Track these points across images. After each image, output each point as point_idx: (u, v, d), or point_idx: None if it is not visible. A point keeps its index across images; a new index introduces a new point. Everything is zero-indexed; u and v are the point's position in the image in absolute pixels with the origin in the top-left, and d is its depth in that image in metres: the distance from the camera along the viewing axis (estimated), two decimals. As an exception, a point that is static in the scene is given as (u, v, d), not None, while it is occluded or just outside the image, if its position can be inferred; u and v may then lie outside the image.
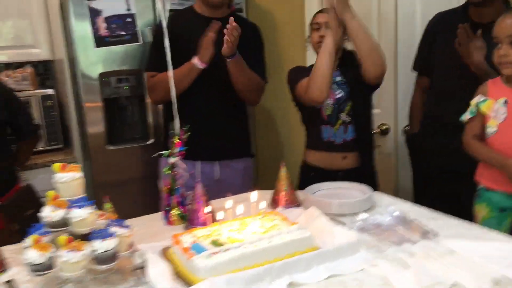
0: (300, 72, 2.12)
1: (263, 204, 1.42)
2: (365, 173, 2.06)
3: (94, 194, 2.57)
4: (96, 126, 2.54)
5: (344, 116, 2.04)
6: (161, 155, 1.64)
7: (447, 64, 2.10)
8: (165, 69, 1.96)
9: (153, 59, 2.22)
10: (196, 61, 2.07)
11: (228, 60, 2.07)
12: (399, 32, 2.60)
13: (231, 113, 2.28)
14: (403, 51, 2.58)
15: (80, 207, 1.20)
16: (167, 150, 1.66)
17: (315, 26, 2.08)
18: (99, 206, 1.47)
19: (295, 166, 2.25)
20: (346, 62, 2.10)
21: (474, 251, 1.28)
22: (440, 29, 2.19)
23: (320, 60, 1.95)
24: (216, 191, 1.86)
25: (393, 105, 2.66)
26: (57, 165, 1.23)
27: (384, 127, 2.67)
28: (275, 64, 2.88)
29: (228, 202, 1.44)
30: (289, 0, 2.83)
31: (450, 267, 1.21)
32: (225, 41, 2.00)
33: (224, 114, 2.25)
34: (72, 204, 1.20)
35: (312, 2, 2.73)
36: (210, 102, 2.20)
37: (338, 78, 2.08)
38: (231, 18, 1.99)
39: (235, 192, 1.82)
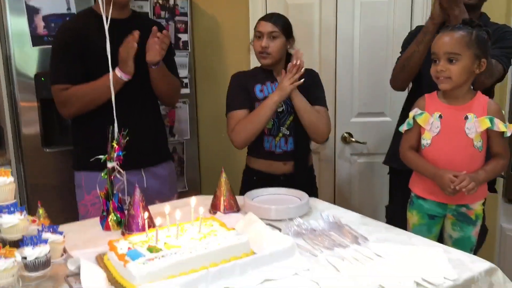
0: (237, 95, 2.12)
1: (201, 210, 1.44)
2: (304, 177, 2.16)
3: (27, 198, 2.49)
4: (32, 127, 2.46)
5: (284, 130, 2.12)
6: (98, 159, 1.61)
7: (424, 77, 2.06)
8: (78, 79, 1.96)
9: (63, 69, 2.04)
10: (119, 73, 1.97)
11: (153, 67, 2.03)
12: (338, 49, 2.76)
13: (148, 117, 2.18)
14: (341, 66, 2.74)
15: (10, 212, 1.18)
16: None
17: (257, 34, 2.10)
18: (33, 211, 1.44)
19: (238, 171, 2.29)
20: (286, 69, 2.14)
21: (399, 255, 1.37)
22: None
23: (259, 115, 2.03)
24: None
25: (332, 114, 2.77)
26: (-13, 170, 1.20)
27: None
28: (220, 69, 2.92)
29: (166, 207, 1.45)
30: (234, 5, 2.86)
31: (376, 271, 1.28)
32: (153, 49, 1.96)
33: (141, 119, 2.13)
34: (2, 209, 1.18)
35: (256, 7, 2.80)
36: (126, 108, 2.04)
37: None
38: (154, 28, 1.96)
39: (163, 200, 1.83)
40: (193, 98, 2.88)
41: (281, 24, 2.08)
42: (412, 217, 1.92)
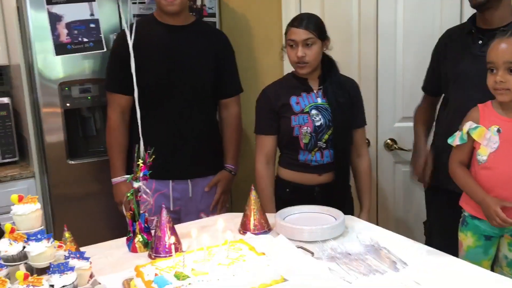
0: (264, 118, 2.22)
1: (230, 234, 1.52)
2: (340, 188, 2.23)
3: (52, 210, 2.64)
4: (56, 137, 2.60)
5: (321, 144, 2.16)
6: (125, 179, 1.72)
7: (463, 78, 2.12)
8: (124, 91, 2.25)
9: (114, 77, 2.39)
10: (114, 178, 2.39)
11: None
12: (379, 47, 2.77)
13: (201, 129, 2.41)
14: (383, 66, 2.77)
15: (37, 240, 1.29)
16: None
17: (290, 42, 2.12)
18: (58, 225, 1.55)
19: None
20: (326, 76, 2.19)
21: (439, 284, 1.41)
22: (449, 43, 2.25)
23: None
24: (190, 209, 2.22)
25: (374, 118, 2.80)
26: (14, 197, 1.32)
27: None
28: (250, 73, 2.98)
29: (193, 231, 1.54)
30: (265, 4, 2.93)
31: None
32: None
33: (194, 131, 2.38)
34: (30, 237, 1.29)
35: (289, 5, 2.84)
36: (179, 118, 2.34)
37: (319, 100, 2.17)
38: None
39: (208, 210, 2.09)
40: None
41: (314, 28, 2.11)
42: (467, 239, 1.91)
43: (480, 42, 2.08)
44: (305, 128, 2.13)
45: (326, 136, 2.15)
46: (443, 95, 2.31)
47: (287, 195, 2.22)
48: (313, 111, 2.14)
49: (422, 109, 2.45)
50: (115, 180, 2.39)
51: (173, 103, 2.33)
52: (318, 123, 2.14)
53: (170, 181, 2.37)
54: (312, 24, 2.12)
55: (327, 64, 2.20)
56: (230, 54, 2.53)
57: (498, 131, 1.78)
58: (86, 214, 2.62)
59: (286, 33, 2.18)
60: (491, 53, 1.78)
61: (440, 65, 2.26)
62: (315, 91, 2.18)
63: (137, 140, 2.15)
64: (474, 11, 2.17)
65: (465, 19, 2.63)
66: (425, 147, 2.36)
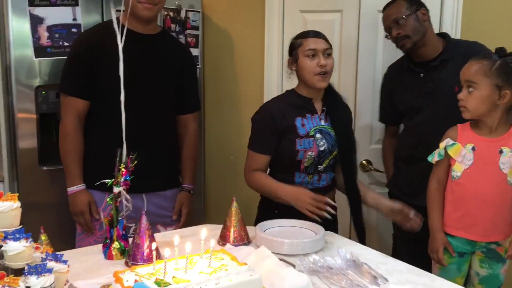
0: (262, 137, 2.09)
1: (213, 242, 1.50)
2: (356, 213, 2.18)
3: (21, 217, 2.54)
4: (29, 143, 2.53)
5: (321, 167, 2.09)
6: (104, 184, 1.68)
7: (416, 111, 2.32)
8: (85, 93, 2.17)
9: (71, 80, 2.25)
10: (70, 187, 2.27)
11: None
12: (359, 70, 2.86)
13: (159, 143, 2.31)
14: (362, 88, 2.85)
15: (16, 239, 1.24)
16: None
17: (309, 52, 2.02)
18: (29, 231, 1.49)
19: (247, 197, 2.34)
20: (329, 99, 2.14)
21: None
22: (395, 79, 2.45)
23: (267, 193, 2.08)
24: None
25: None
26: (-7, 193, 1.27)
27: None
28: (231, 87, 3.00)
29: (176, 238, 1.51)
30: (249, 20, 2.96)
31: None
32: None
33: (151, 144, 2.26)
34: (8, 236, 1.24)
35: (272, 24, 2.87)
36: (137, 130, 2.20)
37: (323, 123, 2.10)
38: None
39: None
40: (201, 117, 2.95)
41: (328, 41, 2.10)
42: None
43: (422, 75, 2.28)
44: (310, 152, 2.04)
45: (327, 161, 2.09)
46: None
47: (275, 216, 2.00)
48: (318, 135, 2.06)
49: (388, 142, 2.62)
50: (72, 189, 2.25)
51: (131, 114, 2.17)
52: (322, 148, 2.06)
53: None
54: (326, 37, 2.10)
55: (329, 86, 2.15)
56: (193, 69, 2.48)
57: (473, 149, 1.85)
58: (55, 221, 2.53)
59: (296, 46, 2.08)
60: (460, 72, 1.89)
61: (391, 98, 2.46)
62: (318, 113, 2.12)
63: (90, 148, 2.10)
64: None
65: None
66: None
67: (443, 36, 2.34)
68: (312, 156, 2.04)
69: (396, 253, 2.32)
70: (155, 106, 2.27)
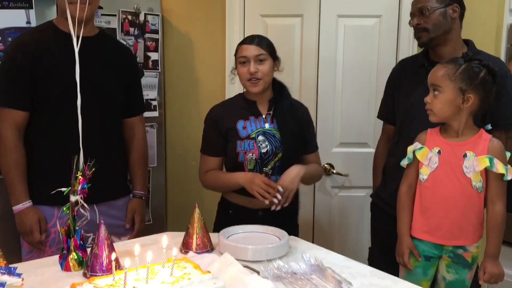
0: (211, 140, 2.17)
1: (175, 251, 1.46)
2: (285, 212, 2.11)
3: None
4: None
5: (267, 170, 2.11)
6: (53, 197, 1.61)
7: (415, 110, 2.14)
8: (21, 104, 2.04)
9: (5, 90, 2.08)
10: (17, 205, 2.07)
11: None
12: (320, 75, 2.87)
13: (107, 150, 2.20)
14: (322, 93, 2.84)
15: (-36, 253, 1.17)
16: None
17: (241, 59, 2.10)
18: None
19: (209, 203, 2.31)
20: (277, 99, 2.15)
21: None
22: (403, 74, 2.31)
23: (224, 186, 2.16)
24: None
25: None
26: None
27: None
28: (191, 91, 2.96)
29: (136, 247, 1.46)
30: (209, 24, 2.93)
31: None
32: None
33: (99, 152, 2.09)
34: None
35: (233, 28, 2.87)
36: (83, 137, 2.07)
37: (267, 126, 2.13)
38: None
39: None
40: (162, 122, 2.90)
41: (266, 46, 2.11)
42: None
43: None
44: (250, 154, 2.08)
45: (272, 163, 2.11)
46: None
47: (229, 216, 2.16)
48: (260, 137, 2.10)
49: (382, 147, 2.44)
50: (18, 207, 2.05)
51: (75, 120, 2.05)
52: (264, 150, 2.09)
53: None
54: (264, 42, 2.12)
55: (278, 88, 2.18)
56: (136, 70, 2.39)
57: (439, 152, 1.87)
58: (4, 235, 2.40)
59: (236, 53, 2.15)
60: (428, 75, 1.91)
61: (395, 94, 2.31)
62: (263, 116, 2.14)
63: (34, 161, 2.02)
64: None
65: (400, 48, 2.78)
66: None
67: (467, 43, 2.19)
68: (253, 158, 2.09)
69: (373, 262, 2.29)
70: (101, 110, 2.15)
